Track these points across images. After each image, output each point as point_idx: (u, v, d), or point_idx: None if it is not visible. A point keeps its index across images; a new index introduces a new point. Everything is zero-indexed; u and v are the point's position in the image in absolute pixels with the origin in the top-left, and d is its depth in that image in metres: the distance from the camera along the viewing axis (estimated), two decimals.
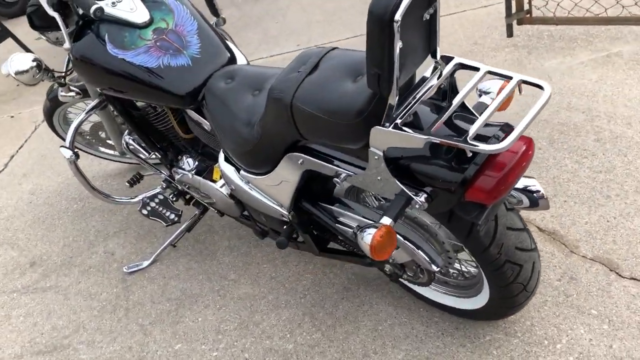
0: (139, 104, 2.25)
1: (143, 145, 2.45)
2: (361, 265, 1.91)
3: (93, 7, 1.79)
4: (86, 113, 2.38)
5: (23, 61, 2.20)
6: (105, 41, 1.98)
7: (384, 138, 1.28)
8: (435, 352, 1.82)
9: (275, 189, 1.78)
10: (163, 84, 1.93)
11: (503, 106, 1.33)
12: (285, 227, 1.91)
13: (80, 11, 1.99)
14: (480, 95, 1.40)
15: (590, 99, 2.71)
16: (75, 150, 2.32)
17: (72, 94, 2.42)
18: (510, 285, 1.57)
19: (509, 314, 1.72)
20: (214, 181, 2.15)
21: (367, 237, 1.32)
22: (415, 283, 1.78)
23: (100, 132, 3.01)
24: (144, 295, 2.39)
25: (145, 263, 2.53)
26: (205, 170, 2.23)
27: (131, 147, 2.50)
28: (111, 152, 3.18)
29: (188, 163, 2.25)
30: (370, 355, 1.88)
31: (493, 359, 1.75)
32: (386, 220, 1.33)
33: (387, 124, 1.27)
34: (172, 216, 2.42)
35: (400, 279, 1.83)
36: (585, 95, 2.75)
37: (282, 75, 1.54)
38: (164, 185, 2.48)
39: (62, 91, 2.40)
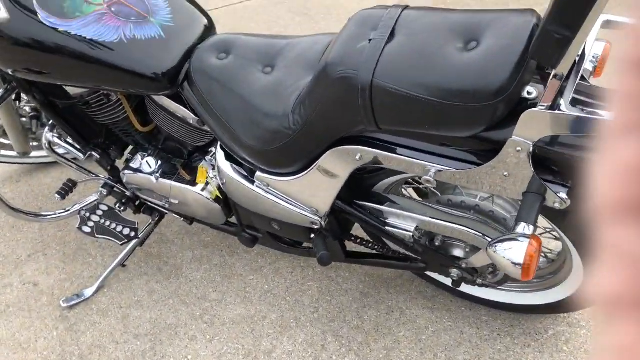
0: (74, 90, 1.69)
1: (73, 143, 1.88)
2: (406, 270, 1.60)
3: None
4: None
5: None
6: (33, 8, 1.42)
7: (544, 124, 0.98)
8: (499, 357, 1.59)
9: (309, 192, 1.40)
10: (128, 63, 1.44)
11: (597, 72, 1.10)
12: (314, 235, 1.53)
13: None
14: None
15: None
16: None
17: None
18: None
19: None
20: (190, 184, 1.70)
21: (515, 255, 1.02)
22: (482, 286, 1.51)
23: None
24: (101, 335, 1.87)
25: (89, 291, 2.00)
26: (173, 171, 1.76)
27: (56, 146, 1.92)
28: (3, 152, 2.50)
29: (147, 163, 1.76)
30: None
31: (566, 356, 1.56)
32: (528, 230, 1.04)
33: (547, 106, 0.96)
34: (127, 231, 1.90)
35: (461, 284, 1.55)
36: None
37: (341, 45, 1.16)
38: (104, 192, 1.95)
39: None
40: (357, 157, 1.26)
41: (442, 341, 1.66)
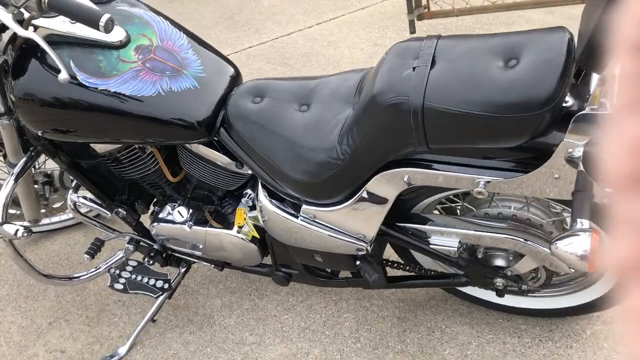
0: (103, 148, 1.72)
1: (98, 202, 1.90)
2: (449, 286, 1.66)
3: (104, 18, 1.28)
4: (17, 175, 1.78)
5: None
6: (72, 71, 1.48)
7: (594, 125, 1.08)
8: None
9: (356, 219, 1.47)
10: (168, 114, 1.50)
11: None
12: (359, 262, 1.59)
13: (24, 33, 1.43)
14: None
15: None
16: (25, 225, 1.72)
17: None
18: None
19: None
20: (226, 228, 1.74)
21: (579, 248, 1.10)
22: (526, 292, 1.58)
23: None
24: None
25: (122, 350, 1.97)
26: (203, 218, 1.80)
27: (81, 207, 1.94)
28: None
29: (179, 212, 1.79)
30: None
31: (608, 352, 1.64)
32: (586, 224, 1.12)
33: (595, 108, 1.06)
34: (160, 283, 1.91)
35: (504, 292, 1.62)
36: None
37: (386, 75, 1.25)
38: (131, 247, 1.96)
39: None
40: (405, 179, 1.34)
41: (488, 354, 1.71)
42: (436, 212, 1.65)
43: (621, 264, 0.31)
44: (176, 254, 1.97)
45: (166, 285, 1.90)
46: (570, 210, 1.29)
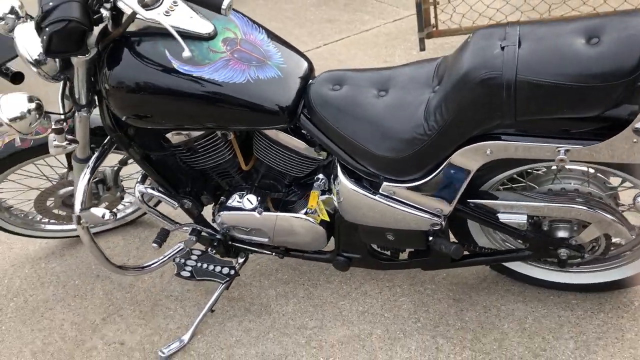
0: (177, 138, 1.81)
1: (165, 193, 1.98)
2: (513, 260, 1.79)
3: (226, 2, 1.40)
4: (93, 167, 1.86)
5: (18, 103, 1.65)
6: (164, 59, 1.58)
7: None
8: (600, 330, 1.78)
9: (435, 194, 1.59)
10: (257, 100, 1.61)
11: None
12: (433, 238, 1.70)
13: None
14: None
15: None
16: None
17: (65, 144, 1.86)
18: None
19: None
20: (294, 211, 1.84)
21: None
22: (587, 263, 1.72)
23: (49, 202, 2.35)
24: None
25: (186, 337, 2.02)
26: (277, 203, 1.90)
27: (148, 198, 2.01)
28: (58, 227, 2.52)
29: (248, 200, 1.88)
30: (540, 354, 1.76)
31: None
32: None
33: None
34: (226, 270, 1.99)
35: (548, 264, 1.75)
36: None
37: (475, 54, 1.39)
38: (193, 238, 2.03)
39: (55, 140, 1.83)
40: (488, 152, 1.47)
41: (544, 326, 1.83)
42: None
43: None
44: (237, 244, 2.05)
45: (232, 272, 1.98)
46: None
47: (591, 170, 1.63)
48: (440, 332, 1.88)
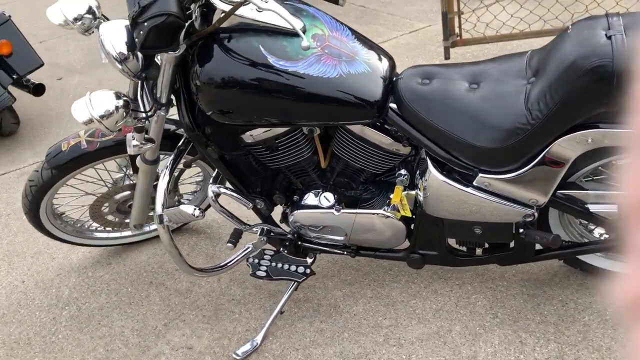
0: (257, 136, 1.80)
1: (239, 193, 1.96)
2: (602, 251, 1.81)
3: None
4: (172, 167, 1.85)
5: (106, 99, 1.64)
6: (258, 54, 1.59)
7: None
8: None
9: (531, 184, 1.61)
10: (350, 94, 1.62)
11: None
12: (524, 230, 1.71)
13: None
14: None
15: None
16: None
17: (141, 143, 1.85)
18: None
19: None
20: (374, 208, 1.84)
21: None
22: None
23: (104, 207, 2.32)
24: None
25: (258, 338, 1.99)
26: (352, 201, 1.89)
27: (221, 198, 2.00)
28: (109, 235, 2.48)
29: (326, 198, 1.87)
30: (628, 344, 1.77)
31: None
32: None
33: None
34: (302, 269, 1.97)
35: None
36: None
37: (581, 43, 1.43)
38: (263, 238, 2.02)
39: (134, 139, 1.81)
40: (589, 141, 1.50)
41: None
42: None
43: (629, 301, 0.28)
44: (306, 244, 2.04)
45: (308, 271, 1.96)
46: None
47: None
48: (521, 327, 1.89)
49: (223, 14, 1.57)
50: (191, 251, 2.52)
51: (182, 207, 1.80)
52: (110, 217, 2.38)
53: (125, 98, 1.68)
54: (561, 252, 1.83)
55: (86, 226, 2.46)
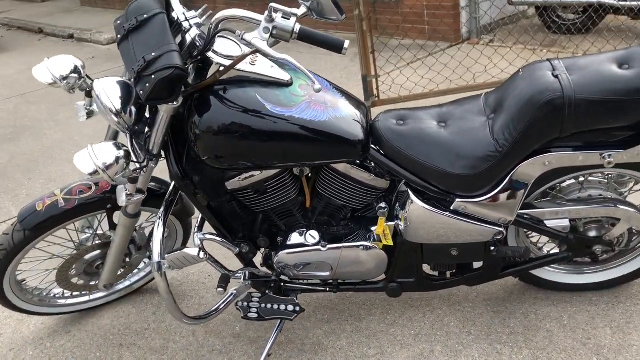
0: (245, 180, 1.90)
1: (224, 239, 2.04)
2: (555, 262, 2.07)
3: (346, 44, 1.60)
4: (164, 217, 1.91)
5: (110, 150, 1.72)
6: (256, 102, 1.74)
7: None
8: (627, 316, 2.10)
9: (500, 205, 1.85)
10: (340, 134, 1.80)
11: None
12: (494, 248, 1.94)
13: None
14: None
15: None
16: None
17: (138, 195, 1.90)
18: None
19: None
20: (358, 240, 2.00)
21: None
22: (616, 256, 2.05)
23: (71, 270, 2.27)
24: None
25: None
26: (334, 237, 2.04)
27: (207, 245, 2.05)
28: (78, 299, 2.42)
29: (311, 236, 2.01)
30: (587, 342, 2.02)
31: None
32: None
33: None
34: (291, 307, 2.05)
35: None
36: None
37: (534, 82, 1.72)
38: (247, 283, 2.10)
39: (128, 190, 1.86)
40: (546, 163, 1.78)
41: (580, 320, 2.11)
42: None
43: None
44: (288, 285, 2.14)
45: (298, 308, 2.05)
46: None
47: (604, 180, 2.00)
48: (494, 340, 2.08)
49: (222, 68, 1.71)
50: (157, 310, 2.50)
51: (186, 250, 1.85)
52: (76, 280, 2.32)
53: (125, 149, 1.73)
54: (523, 267, 2.08)
55: (50, 293, 2.37)
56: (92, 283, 2.35)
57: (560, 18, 5.29)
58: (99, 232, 2.24)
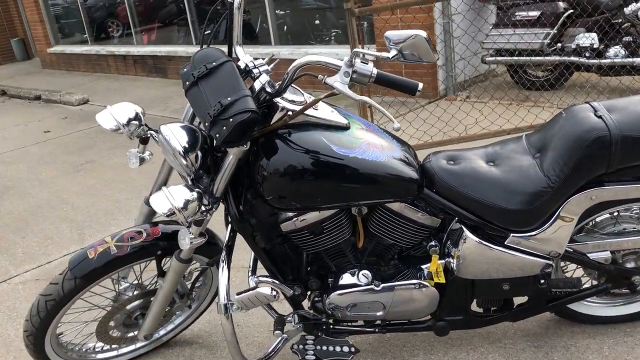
0: (302, 222, 1.94)
1: (277, 282, 2.05)
2: (596, 294, 2.15)
3: (420, 86, 1.70)
4: (228, 260, 1.93)
5: (184, 192, 1.75)
6: (323, 145, 1.82)
7: None
8: None
9: (551, 239, 1.94)
10: (399, 174, 1.89)
11: None
12: (544, 280, 2.02)
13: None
14: None
15: None
16: None
17: (200, 239, 1.92)
18: None
19: None
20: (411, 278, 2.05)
21: None
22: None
23: (111, 322, 2.21)
24: None
25: None
26: (385, 276, 2.08)
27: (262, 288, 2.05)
28: (120, 351, 2.34)
29: (364, 276, 2.05)
30: None
31: None
32: None
33: None
34: (347, 348, 2.06)
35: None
36: None
37: (579, 121, 1.87)
38: (300, 326, 2.10)
39: (192, 233, 1.88)
40: (593, 198, 1.90)
41: (620, 350, 2.19)
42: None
43: None
44: (337, 327, 2.15)
45: (353, 349, 2.05)
46: None
47: (634, 215, 2.13)
48: None
49: (291, 112, 1.78)
50: None
51: (259, 289, 1.85)
52: (114, 333, 2.26)
53: (198, 190, 1.76)
54: (567, 299, 2.15)
55: (82, 348, 2.29)
56: (129, 335, 2.29)
57: (531, 75, 5.65)
58: (135, 282, 2.22)
